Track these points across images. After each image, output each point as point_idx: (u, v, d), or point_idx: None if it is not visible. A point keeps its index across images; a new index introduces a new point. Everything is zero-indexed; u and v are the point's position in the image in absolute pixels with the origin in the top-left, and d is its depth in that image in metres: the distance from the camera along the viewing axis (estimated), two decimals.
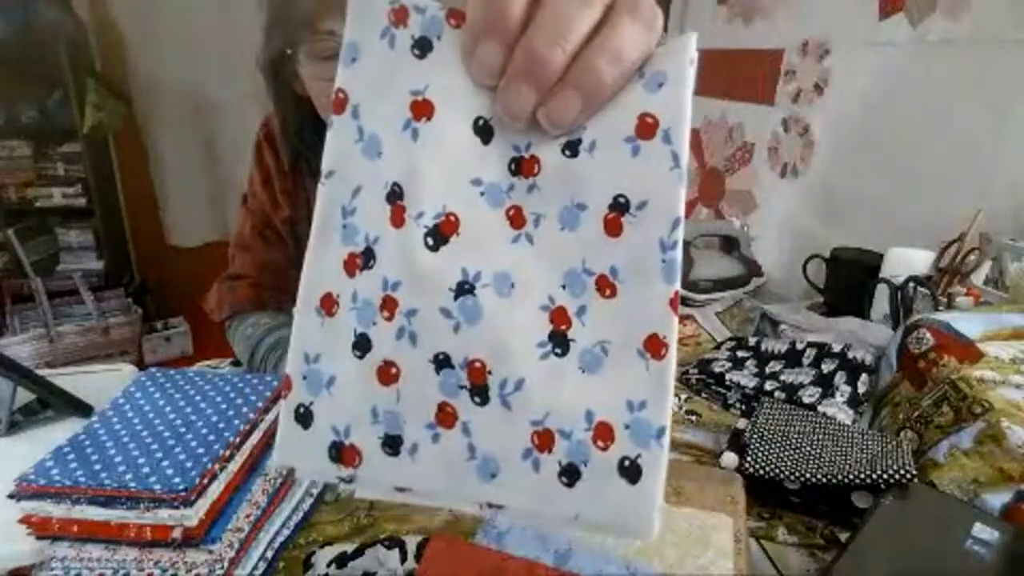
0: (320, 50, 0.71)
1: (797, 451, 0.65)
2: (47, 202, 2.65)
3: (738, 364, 0.87)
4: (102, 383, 0.75)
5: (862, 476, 0.58)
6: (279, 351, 0.79)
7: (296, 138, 0.82)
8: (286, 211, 0.89)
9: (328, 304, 0.28)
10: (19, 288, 2.57)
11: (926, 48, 1.24)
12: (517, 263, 0.27)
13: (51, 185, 2.64)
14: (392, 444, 0.27)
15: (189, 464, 0.46)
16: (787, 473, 0.62)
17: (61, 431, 0.54)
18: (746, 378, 0.82)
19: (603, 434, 0.26)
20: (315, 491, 0.60)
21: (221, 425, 0.51)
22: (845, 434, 0.67)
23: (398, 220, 0.27)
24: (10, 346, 2.31)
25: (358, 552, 0.54)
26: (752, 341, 0.94)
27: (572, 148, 0.27)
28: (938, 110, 1.23)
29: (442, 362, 0.27)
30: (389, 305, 0.27)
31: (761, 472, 0.62)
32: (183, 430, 0.50)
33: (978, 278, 1.00)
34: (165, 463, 0.46)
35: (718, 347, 0.96)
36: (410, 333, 0.27)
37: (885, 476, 0.58)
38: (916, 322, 0.80)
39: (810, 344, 0.88)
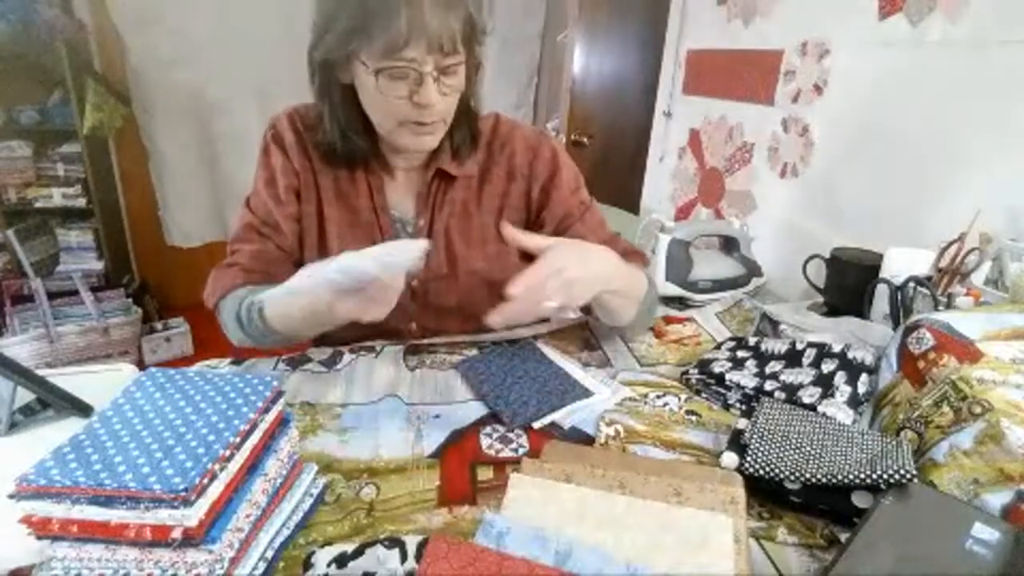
0: (396, 73, 0.75)
1: (797, 451, 0.65)
2: (47, 202, 2.64)
3: (738, 364, 0.87)
4: (102, 383, 0.75)
5: (862, 476, 0.58)
6: (256, 305, 0.80)
7: (344, 123, 0.85)
8: (291, 207, 0.91)
9: None
10: (19, 288, 2.57)
11: (926, 48, 1.24)
12: None
13: (51, 185, 2.64)
14: None
15: (189, 464, 0.46)
16: (787, 473, 0.62)
17: (61, 431, 0.54)
18: (746, 378, 0.82)
19: None
20: (315, 491, 0.60)
21: (221, 425, 0.51)
22: (845, 434, 0.67)
23: None
24: (10, 346, 2.31)
25: (358, 552, 0.54)
26: (752, 341, 0.94)
27: None
28: (938, 110, 1.23)
29: None
30: None
31: (761, 472, 0.62)
32: (183, 430, 0.50)
33: (978, 278, 1.00)
34: (165, 463, 0.46)
35: (718, 347, 0.96)
36: None
37: (885, 476, 0.58)
38: (916, 322, 0.80)
39: (810, 344, 0.88)
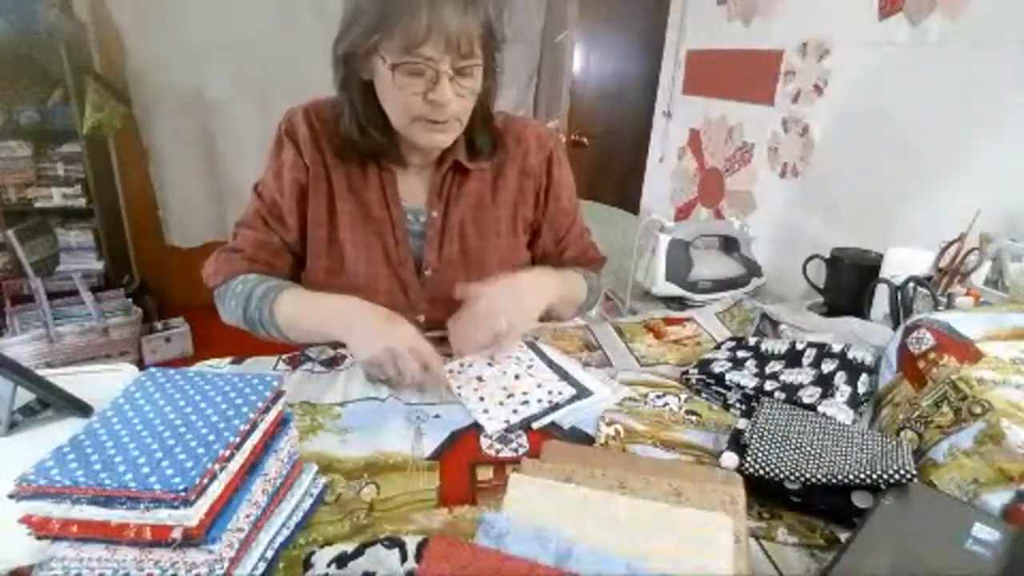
0: (414, 69, 0.78)
1: (797, 451, 0.65)
2: (47, 202, 2.64)
3: (738, 364, 0.87)
4: (102, 383, 0.75)
5: (862, 476, 0.58)
6: (271, 296, 0.86)
7: (363, 117, 0.87)
8: (295, 203, 0.93)
9: None
10: (19, 288, 2.56)
11: (926, 48, 1.24)
12: None
13: (51, 185, 2.64)
14: None
15: (189, 464, 0.46)
16: (787, 473, 0.62)
17: (61, 431, 0.54)
18: (746, 378, 0.82)
19: None
20: (315, 491, 0.60)
21: (221, 425, 0.51)
22: (845, 434, 0.67)
23: None
24: (10, 346, 2.31)
25: (358, 552, 0.54)
26: (752, 341, 0.94)
27: None
28: (937, 110, 1.23)
29: None
30: None
31: (761, 472, 0.62)
32: (183, 430, 0.50)
33: (978, 278, 1.00)
34: (165, 463, 0.46)
35: (718, 347, 0.96)
36: None
37: (885, 476, 0.58)
38: (916, 322, 0.80)
39: (810, 344, 0.88)
